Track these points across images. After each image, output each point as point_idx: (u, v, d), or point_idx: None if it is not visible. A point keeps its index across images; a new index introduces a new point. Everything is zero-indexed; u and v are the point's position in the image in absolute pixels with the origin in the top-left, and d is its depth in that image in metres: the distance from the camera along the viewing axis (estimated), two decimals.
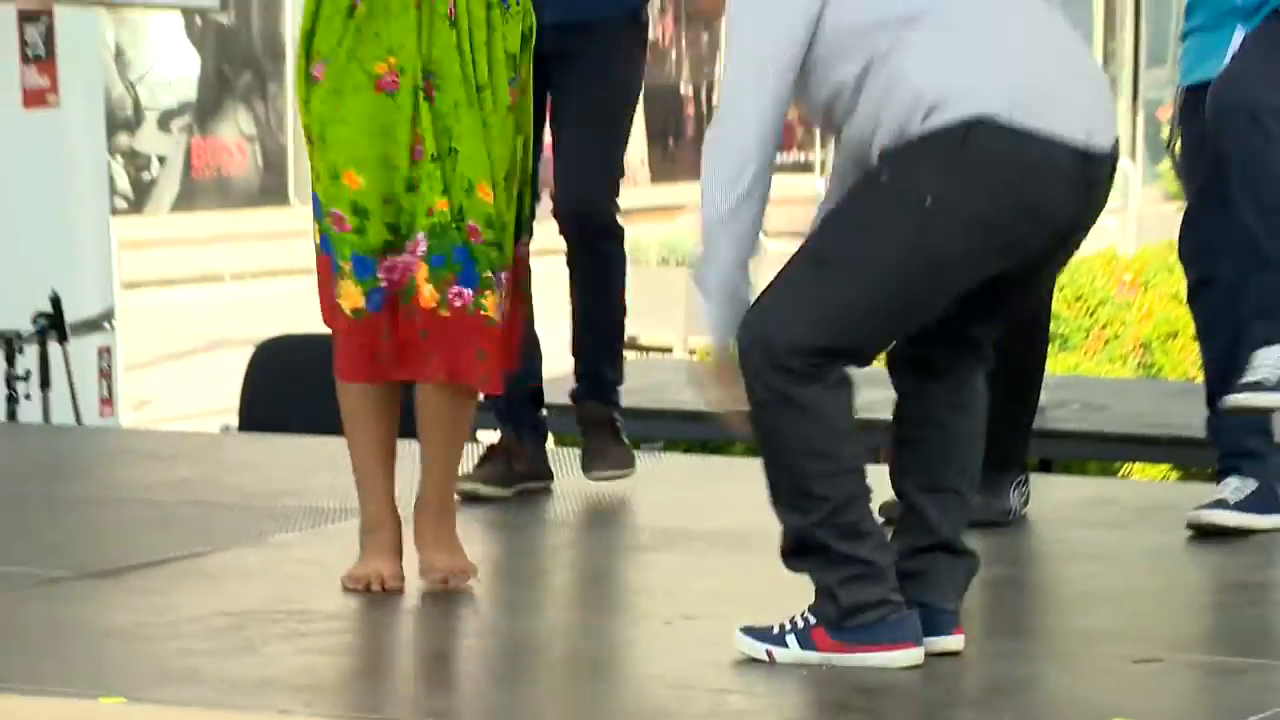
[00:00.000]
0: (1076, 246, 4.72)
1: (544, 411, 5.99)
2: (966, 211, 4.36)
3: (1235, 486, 5.68)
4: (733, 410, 4.42)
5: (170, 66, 18.35)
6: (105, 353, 8.39)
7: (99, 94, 8.99)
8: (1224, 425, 5.72)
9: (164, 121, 18.32)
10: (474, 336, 4.71)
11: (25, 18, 7.40)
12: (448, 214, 4.67)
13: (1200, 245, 5.80)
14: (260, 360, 7.66)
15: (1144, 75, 24.95)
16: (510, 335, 4.84)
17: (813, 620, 4.31)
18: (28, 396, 7.17)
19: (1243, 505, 5.64)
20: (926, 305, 4.40)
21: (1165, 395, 7.96)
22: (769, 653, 4.30)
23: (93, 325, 8.26)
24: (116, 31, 16.92)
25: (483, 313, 4.70)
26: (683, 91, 22.25)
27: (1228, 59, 5.62)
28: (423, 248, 4.67)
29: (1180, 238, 5.87)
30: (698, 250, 4.44)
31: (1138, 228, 16.32)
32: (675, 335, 14.84)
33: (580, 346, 5.92)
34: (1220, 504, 5.64)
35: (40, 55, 7.67)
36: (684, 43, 22.22)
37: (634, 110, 5.92)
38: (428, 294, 4.67)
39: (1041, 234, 4.45)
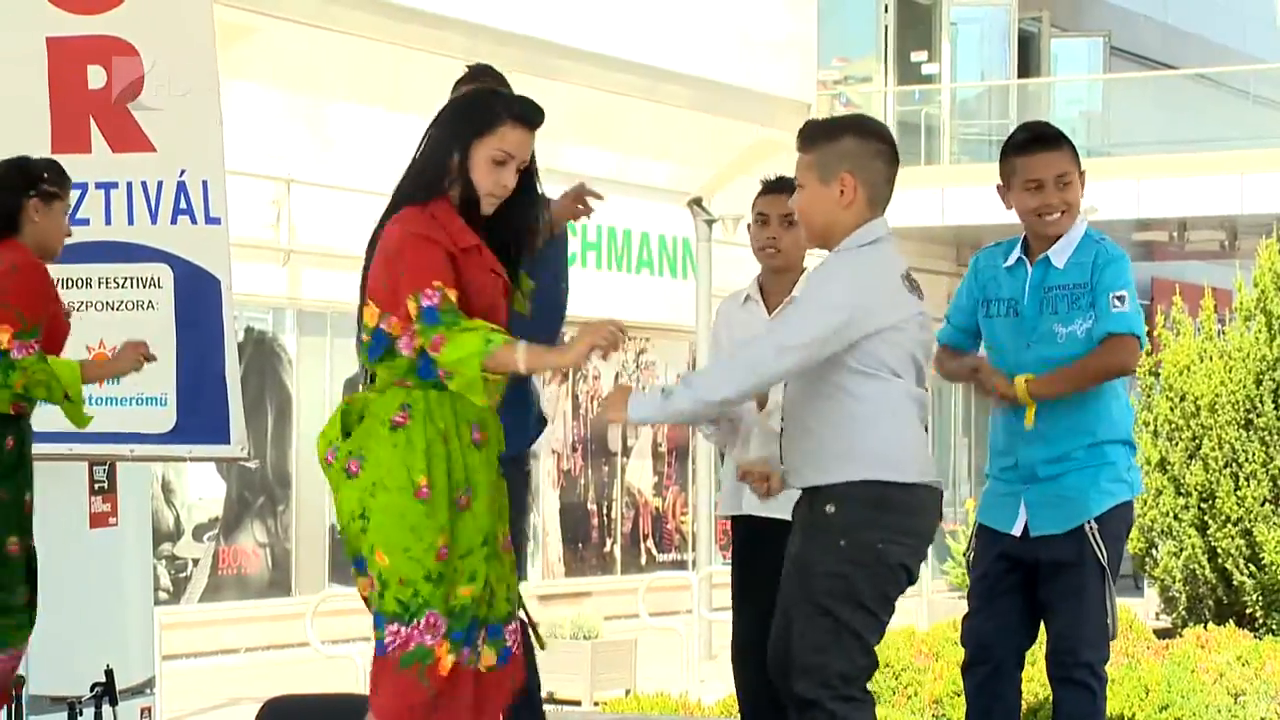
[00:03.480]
0: None
1: None
2: None
3: None
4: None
5: (203, 491, 18.29)
6: (146, 712, 8.23)
7: (147, 515, 8.92)
8: None
9: (197, 533, 18.22)
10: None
11: (94, 461, 7.40)
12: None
13: (976, 633, 5.69)
14: (265, 713, 7.53)
15: None
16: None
17: None
18: None
19: None
20: None
21: None
22: None
23: (138, 690, 8.11)
24: (164, 469, 16.88)
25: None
26: (589, 508, 22.26)
27: (1016, 526, 5.52)
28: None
29: (963, 626, 5.78)
30: (680, 394, 4.79)
31: (929, 611, 16.35)
32: (583, 692, 14.63)
33: None
34: None
35: (104, 488, 7.65)
36: (590, 473, 22.30)
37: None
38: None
39: None
